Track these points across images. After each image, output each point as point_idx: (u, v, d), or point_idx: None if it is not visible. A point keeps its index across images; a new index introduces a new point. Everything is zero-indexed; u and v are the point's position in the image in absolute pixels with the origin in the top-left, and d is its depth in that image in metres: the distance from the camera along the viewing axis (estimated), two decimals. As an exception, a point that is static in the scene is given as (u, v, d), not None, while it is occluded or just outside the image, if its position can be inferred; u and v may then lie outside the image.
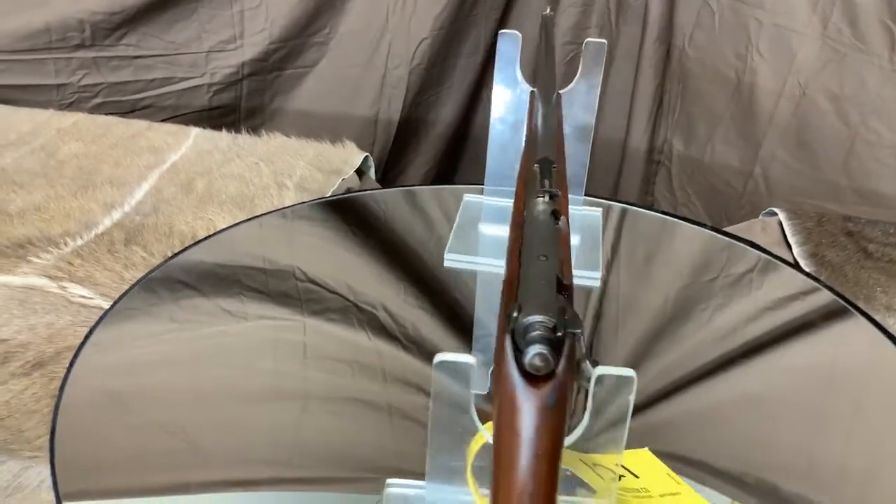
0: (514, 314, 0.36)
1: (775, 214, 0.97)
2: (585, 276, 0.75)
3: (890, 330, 0.66)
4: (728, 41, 1.29)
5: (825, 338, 0.71)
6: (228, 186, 0.95)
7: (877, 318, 0.71)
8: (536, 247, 0.44)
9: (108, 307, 0.69)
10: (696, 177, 1.35)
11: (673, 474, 0.54)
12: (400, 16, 1.33)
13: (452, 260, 0.76)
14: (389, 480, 0.51)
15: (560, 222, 0.50)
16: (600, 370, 0.40)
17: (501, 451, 0.36)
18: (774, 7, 1.24)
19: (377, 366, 0.64)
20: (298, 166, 1.00)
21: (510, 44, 0.73)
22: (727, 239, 0.81)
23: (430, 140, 1.42)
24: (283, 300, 0.70)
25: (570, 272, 0.48)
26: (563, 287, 0.41)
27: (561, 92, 0.73)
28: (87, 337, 0.64)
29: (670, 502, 0.52)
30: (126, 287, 0.72)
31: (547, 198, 0.51)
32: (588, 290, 0.73)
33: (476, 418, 0.43)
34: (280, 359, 0.65)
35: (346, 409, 0.59)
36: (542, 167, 0.55)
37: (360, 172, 1.04)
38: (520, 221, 0.50)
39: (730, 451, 0.57)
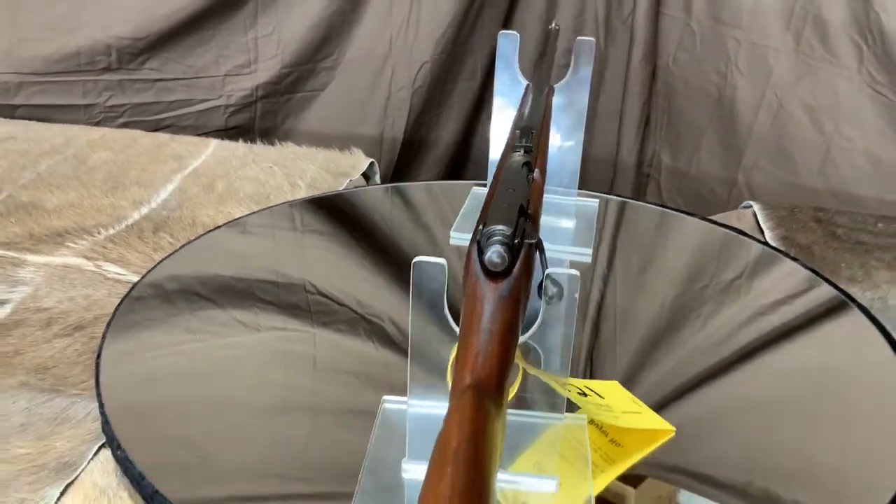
0: (480, 227, 0.46)
1: (751, 207, 1.04)
2: (578, 253, 0.84)
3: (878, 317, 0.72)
4: (709, 59, 1.38)
5: (824, 333, 0.75)
6: (245, 186, 1.03)
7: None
8: (506, 183, 0.52)
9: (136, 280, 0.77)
10: (683, 187, 1.43)
11: (636, 399, 0.60)
12: (403, 42, 1.42)
13: (458, 238, 0.84)
14: (385, 397, 0.58)
15: (533, 173, 0.58)
16: (550, 270, 0.48)
17: (465, 328, 0.45)
18: (751, 26, 1.33)
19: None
20: (309, 170, 1.08)
21: (510, 42, 0.81)
22: (722, 228, 0.89)
23: (432, 158, 1.51)
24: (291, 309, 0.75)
25: (537, 208, 0.56)
26: (527, 214, 0.49)
27: (555, 86, 0.82)
28: (119, 305, 0.72)
29: (631, 417, 0.59)
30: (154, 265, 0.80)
31: (522, 151, 0.59)
32: (587, 300, 0.77)
33: (449, 316, 0.50)
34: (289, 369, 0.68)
35: (355, 422, 0.60)
36: (524, 131, 0.63)
37: (367, 177, 1.12)
38: (499, 175, 0.58)
39: (731, 456, 0.59)
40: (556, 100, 0.82)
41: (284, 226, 0.90)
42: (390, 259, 0.84)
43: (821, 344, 0.74)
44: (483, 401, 0.40)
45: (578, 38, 0.82)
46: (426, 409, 0.55)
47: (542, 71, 0.82)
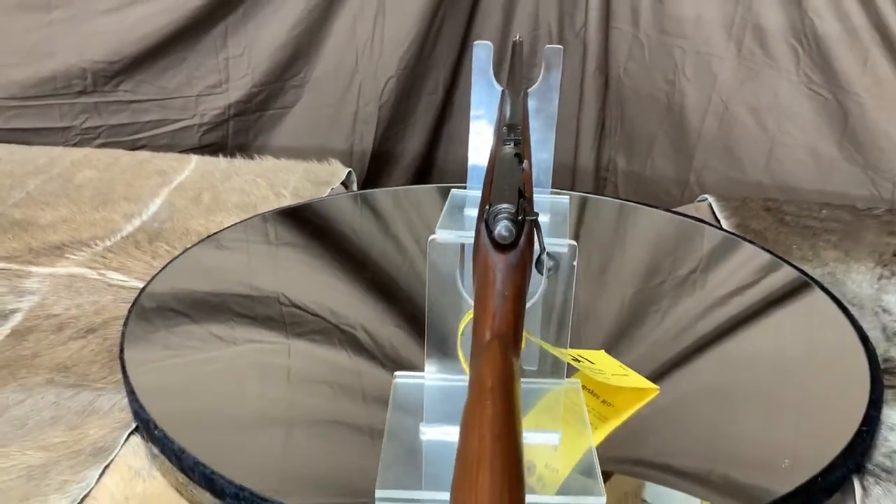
0: (487, 207, 0.52)
1: (706, 200, 1.13)
2: (556, 244, 0.90)
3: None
4: (658, 68, 1.47)
5: (787, 310, 0.80)
6: (232, 197, 1.08)
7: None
8: (502, 171, 0.59)
9: (142, 286, 0.81)
10: (639, 188, 1.52)
11: (622, 365, 0.67)
12: (368, 59, 1.48)
13: (442, 235, 0.89)
14: (397, 373, 0.64)
15: (523, 164, 0.65)
16: (548, 241, 0.55)
17: (480, 296, 0.51)
18: (695, 36, 1.42)
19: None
20: (291, 180, 1.13)
21: (484, 51, 0.88)
22: (682, 217, 0.97)
23: (399, 169, 1.56)
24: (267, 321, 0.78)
25: (531, 192, 0.63)
26: (524, 196, 0.56)
27: (528, 90, 0.89)
28: (132, 307, 0.76)
29: (620, 379, 0.66)
30: (156, 271, 0.85)
31: (513, 144, 0.66)
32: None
33: (462, 289, 0.56)
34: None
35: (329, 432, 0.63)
36: (510, 127, 0.69)
37: (345, 186, 1.17)
38: (492, 166, 0.65)
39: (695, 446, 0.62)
40: (529, 103, 0.89)
41: (258, 239, 0.94)
42: (359, 265, 0.89)
43: (784, 319, 0.81)
44: (507, 350, 0.46)
45: (547, 46, 0.89)
46: (439, 381, 0.60)
47: (515, 79, 0.89)
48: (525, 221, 0.53)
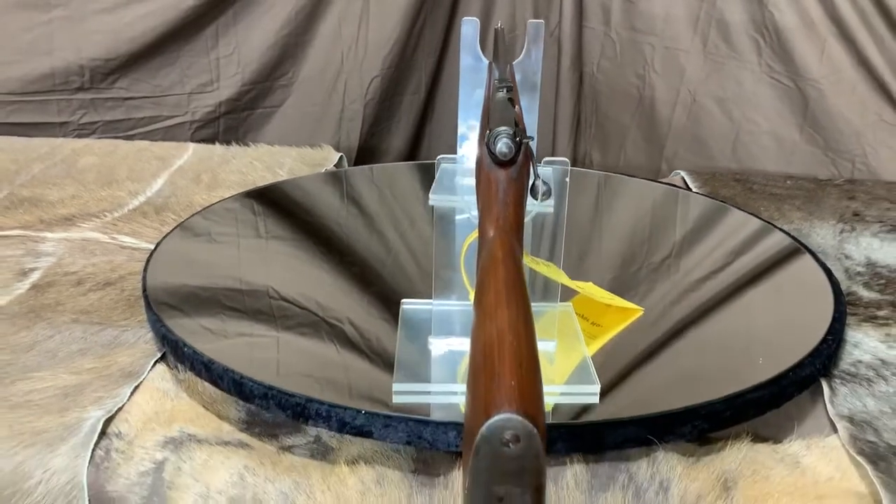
0: (488, 131, 0.58)
1: (679, 174, 1.20)
2: (541, 205, 0.96)
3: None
4: (629, 64, 1.55)
5: (762, 255, 0.86)
6: (230, 177, 1.13)
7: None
8: (497, 107, 0.65)
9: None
10: (614, 179, 1.59)
11: (607, 292, 0.73)
12: (353, 59, 1.55)
13: (436, 200, 0.95)
14: (404, 300, 0.69)
15: (516, 108, 0.71)
16: (545, 160, 0.61)
17: (484, 206, 0.57)
18: (663, 33, 1.51)
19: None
20: (286, 162, 1.19)
21: (471, 27, 0.94)
22: (664, 185, 1.03)
23: (384, 165, 1.62)
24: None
25: (523, 125, 0.69)
26: (519, 126, 0.62)
27: (512, 63, 0.95)
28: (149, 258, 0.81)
29: (609, 299, 0.72)
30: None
31: (505, 90, 0.72)
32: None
33: (463, 197, 0.62)
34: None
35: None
36: (501, 80, 0.75)
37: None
38: (487, 107, 0.71)
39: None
40: (515, 75, 0.95)
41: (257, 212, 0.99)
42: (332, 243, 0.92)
43: (756, 259, 0.87)
44: (511, 239, 0.52)
45: (530, 21, 0.96)
46: (445, 307, 0.66)
47: (500, 57, 0.95)
48: (522, 143, 0.60)
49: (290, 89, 1.54)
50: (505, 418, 0.34)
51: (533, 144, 0.63)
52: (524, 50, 0.97)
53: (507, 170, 0.58)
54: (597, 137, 1.60)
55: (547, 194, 0.63)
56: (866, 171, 1.32)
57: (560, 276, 0.66)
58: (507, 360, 0.37)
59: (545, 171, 0.62)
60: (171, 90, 1.45)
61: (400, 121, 1.63)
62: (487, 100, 0.76)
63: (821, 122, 1.37)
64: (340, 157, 1.24)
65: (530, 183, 0.62)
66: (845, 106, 1.35)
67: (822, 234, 0.96)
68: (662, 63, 1.51)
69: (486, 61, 0.97)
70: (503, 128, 0.58)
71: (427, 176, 1.00)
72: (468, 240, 0.64)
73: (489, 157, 0.58)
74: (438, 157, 1.04)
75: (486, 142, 0.59)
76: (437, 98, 1.67)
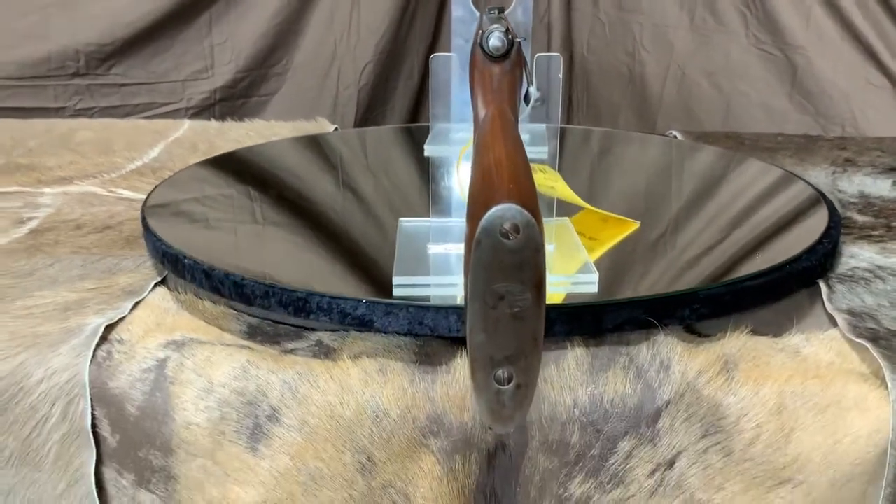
0: (480, 32, 0.59)
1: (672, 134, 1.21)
2: (536, 151, 0.97)
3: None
4: (618, 43, 1.57)
5: (762, 182, 0.87)
6: (226, 146, 1.14)
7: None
8: (489, 14, 0.66)
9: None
10: (607, 157, 1.60)
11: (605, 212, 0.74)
12: (346, 45, 1.57)
13: (432, 149, 0.96)
14: (402, 218, 0.70)
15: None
16: (539, 55, 0.62)
17: (479, 96, 0.58)
18: (651, 11, 1.53)
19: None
20: (282, 133, 1.20)
21: (463, -19, 0.96)
22: (665, 138, 1.04)
23: (379, 150, 1.64)
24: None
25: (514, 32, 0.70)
26: (511, 32, 0.63)
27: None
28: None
29: (605, 215, 0.72)
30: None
31: (497, 12, 0.73)
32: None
33: (456, 101, 0.63)
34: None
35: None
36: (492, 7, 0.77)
37: (332, 142, 1.24)
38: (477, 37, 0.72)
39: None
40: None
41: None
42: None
43: (756, 184, 0.88)
44: (506, 109, 0.53)
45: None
46: (443, 223, 0.67)
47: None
48: (514, 41, 0.61)
49: (284, 77, 1.56)
50: (504, 208, 0.34)
51: (526, 47, 0.64)
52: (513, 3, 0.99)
53: (501, 64, 0.59)
54: (589, 115, 1.62)
55: (539, 101, 0.64)
56: (856, 134, 1.34)
57: (557, 181, 0.67)
58: (504, 174, 0.38)
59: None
60: (165, 77, 1.47)
61: (394, 106, 1.64)
62: (475, 44, 0.77)
63: (809, 89, 1.39)
64: (335, 129, 1.25)
65: (523, 92, 0.63)
66: (833, 71, 1.37)
67: (815, 175, 0.97)
68: (651, 40, 1.54)
69: (477, 13, 0.99)
70: (495, 26, 0.59)
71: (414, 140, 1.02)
72: (463, 149, 0.65)
73: (482, 55, 0.59)
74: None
75: (479, 41, 0.60)
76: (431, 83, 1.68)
